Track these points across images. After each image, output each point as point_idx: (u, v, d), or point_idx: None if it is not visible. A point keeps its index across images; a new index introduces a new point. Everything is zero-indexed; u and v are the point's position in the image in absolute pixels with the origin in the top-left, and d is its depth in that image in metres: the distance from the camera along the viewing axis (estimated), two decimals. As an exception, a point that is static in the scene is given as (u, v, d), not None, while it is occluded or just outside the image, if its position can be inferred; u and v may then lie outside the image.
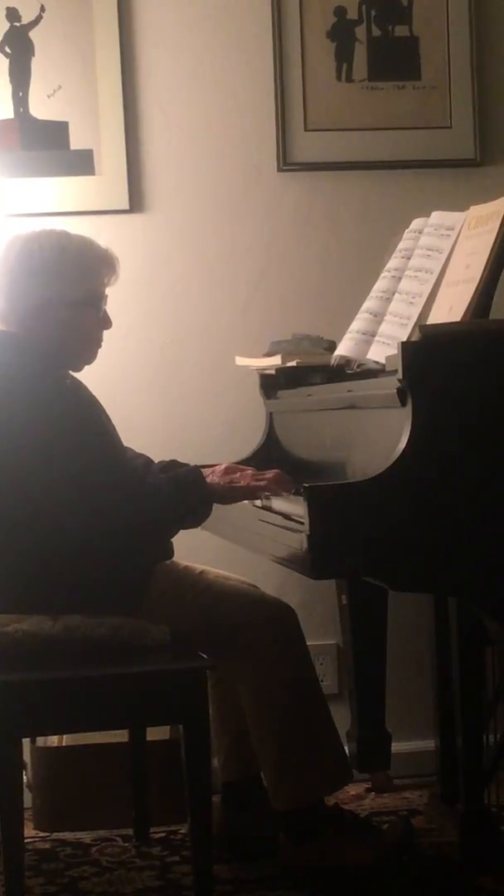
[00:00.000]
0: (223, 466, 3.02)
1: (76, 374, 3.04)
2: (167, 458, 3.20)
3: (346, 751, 3.33)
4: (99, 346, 3.04)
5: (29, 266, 2.94)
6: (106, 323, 3.02)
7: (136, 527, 2.83)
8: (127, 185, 3.66)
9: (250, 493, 2.94)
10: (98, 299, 3.00)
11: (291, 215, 3.76)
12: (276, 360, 3.33)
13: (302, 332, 3.47)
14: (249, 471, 2.99)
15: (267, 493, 2.94)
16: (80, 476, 2.78)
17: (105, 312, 3.02)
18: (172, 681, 2.80)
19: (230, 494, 2.92)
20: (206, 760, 2.80)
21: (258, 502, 3.00)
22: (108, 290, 3.04)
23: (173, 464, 3.16)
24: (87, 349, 3.02)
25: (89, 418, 2.92)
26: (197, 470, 2.91)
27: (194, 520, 2.90)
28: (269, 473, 2.95)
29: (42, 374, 2.88)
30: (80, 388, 3.03)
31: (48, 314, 2.94)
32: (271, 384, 3.54)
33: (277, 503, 2.91)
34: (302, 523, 2.51)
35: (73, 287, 2.95)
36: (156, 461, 3.21)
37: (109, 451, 2.92)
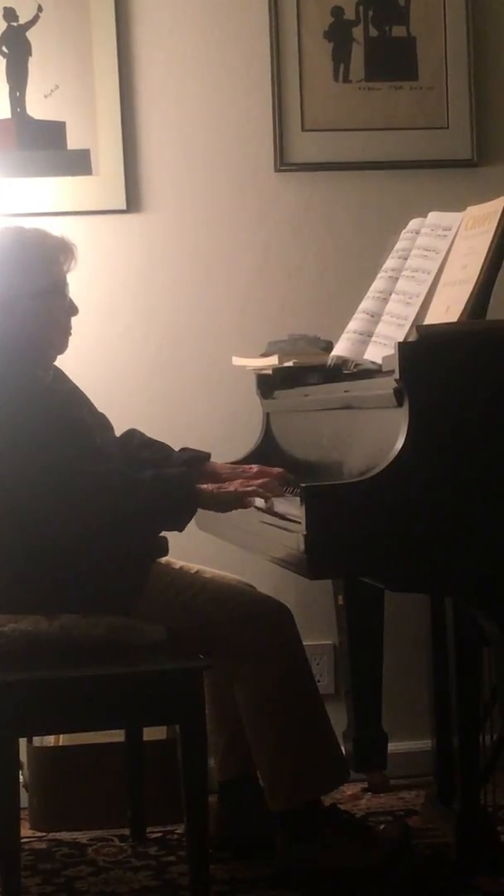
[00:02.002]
0: (256, 469, 3.00)
1: (58, 366, 3.06)
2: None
3: (343, 751, 3.33)
4: (69, 334, 3.05)
5: None
6: (73, 310, 3.03)
7: (114, 520, 2.81)
8: (124, 185, 3.66)
9: (238, 502, 2.89)
10: (63, 286, 3.02)
11: (288, 215, 3.76)
12: (273, 361, 3.33)
13: (299, 332, 3.47)
14: (254, 469, 2.98)
15: (255, 501, 2.93)
16: (59, 470, 2.79)
17: (70, 300, 3.03)
18: (169, 681, 2.80)
19: (216, 501, 2.89)
20: (202, 760, 2.80)
21: (257, 503, 3.00)
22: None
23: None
24: (58, 338, 3.03)
25: (67, 412, 2.93)
26: (187, 472, 2.91)
27: (174, 520, 2.86)
28: (274, 470, 2.95)
29: (17, 371, 2.90)
30: (59, 380, 3.04)
31: (16, 307, 2.95)
32: (268, 384, 3.54)
33: (275, 504, 2.90)
34: (299, 523, 2.51)
35: (37, 277, 2.97)
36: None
37: (87, 444, 2.92)
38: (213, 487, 2.91)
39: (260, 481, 2.93)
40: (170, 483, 2.85)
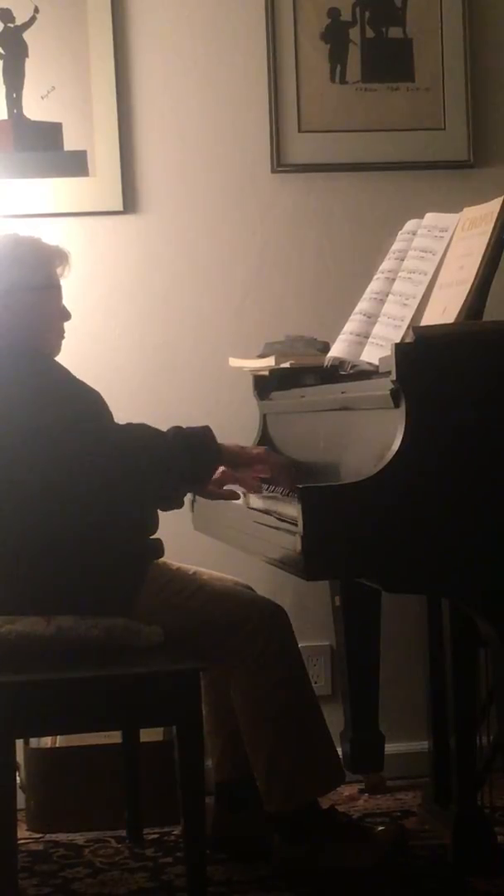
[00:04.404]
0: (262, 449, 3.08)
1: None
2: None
3: (340, 752, 3.34)
4: (62, 336, 3.09)
5: None
6: (65, 315, 3.08)
7: (136, 471, 2.85)
8: (121, 186, 3.66)
9: (253, 465, 2.98)
10: (56, 285, 3.07)
11: (285, 217, 3.76)
12: (269, 362, 3.33)
13: (296, 333, 3.47)
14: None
15: (266, 478, 2.98)
16: (82, 429, 2.84)
17: (63, 306, 3.08)
18: (165, 682, 2.80)
19: (234, 460, 2.97)
20: (199, 761, 2.80)
21: (252, 503, 3.01)
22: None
23: None
24: (52, 335, 3.07)
25: (80, 385, 2.95)
26: (208, 428, 2.94)
27: (196, 474, 2.91)
28: (282, 459, 3.04)
29: (21, 356, 2.94)
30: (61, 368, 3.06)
31: (11, 300, 3.00)
32: (265, 385, 3.54)
33: (271, 504, 2.91)
34: (295, 524, 2.51)
35: (32, 272, 3.03)
36: None
37: (104, 409, 2.96)
38: (234, 446, 2.99)
39: (282, 460, 3.02)
40: (191, 436, 2.90)
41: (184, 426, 2.93)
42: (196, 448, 2.89)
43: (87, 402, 2.93)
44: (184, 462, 2.88)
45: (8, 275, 3.01)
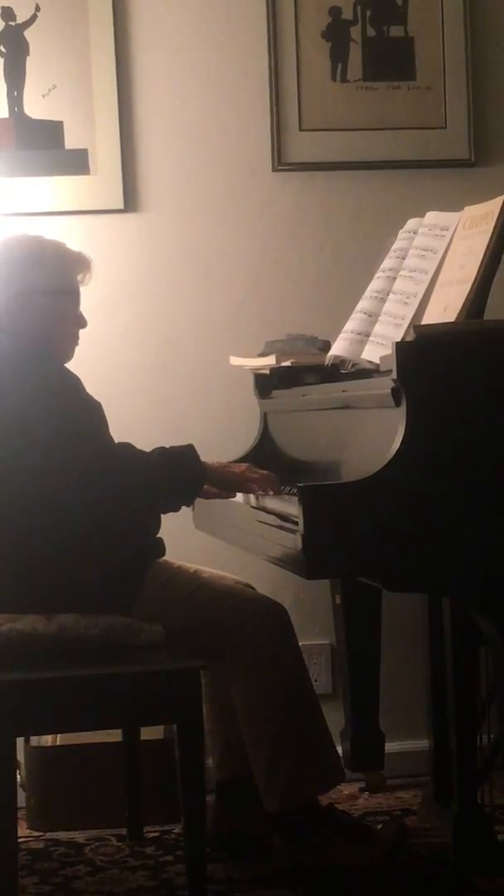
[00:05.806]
0: (245, 466, 3.04)
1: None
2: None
3: (340, 751, 3.34)
4: (76, 343, 3.08)
5: (8, 258, 3.02)
6: (81, 321, 3.08)
7: (122, 494, 2.84)
8: (122, 184, 3.67)
9: (241, 485, 2.96)
10: (75, 291, 3.06)
11: (286, 215, 3.76)
12: (270, 360, 3.33)
13: (296, 331, 3.47)
14: (243, 466, 3.03)
15: (256, 491, 2.96)
16: (68, 447, 2.82)
17: (80, 312, 3.08)
18: (166, 680, 2.80)
19: (220, 477, 2.95)
20: (199, 760, 2.80)
21: (253, 501, 3.01)
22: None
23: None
24: (66, 341, 3.06)
25: (78, 395, 2.94)
26: (192, 447, 2.93)
27: (182, 494, 2.91)
28: (262, 472, 2.99)
29: (27, 359, 2.93)
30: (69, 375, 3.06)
31: (28, 302, 2.99)
32: (266, 384, 3.54)
33: (272, 503, 2.91)
34: (296, 523, 2.52)
35: (51, 275, 3.02)
36: None
37: (96, 424, 2.95)
38: (218, 466, 2.97)
39: (264, 473, 2.98)
40: (176, 457, 2.89)
41: (167, 446, 2.92)
42: (180, 470, 2.89)
43: (89, 416, 2.92)
44: (169, 485, 2.88)
45: (28, 276, 2.99)
